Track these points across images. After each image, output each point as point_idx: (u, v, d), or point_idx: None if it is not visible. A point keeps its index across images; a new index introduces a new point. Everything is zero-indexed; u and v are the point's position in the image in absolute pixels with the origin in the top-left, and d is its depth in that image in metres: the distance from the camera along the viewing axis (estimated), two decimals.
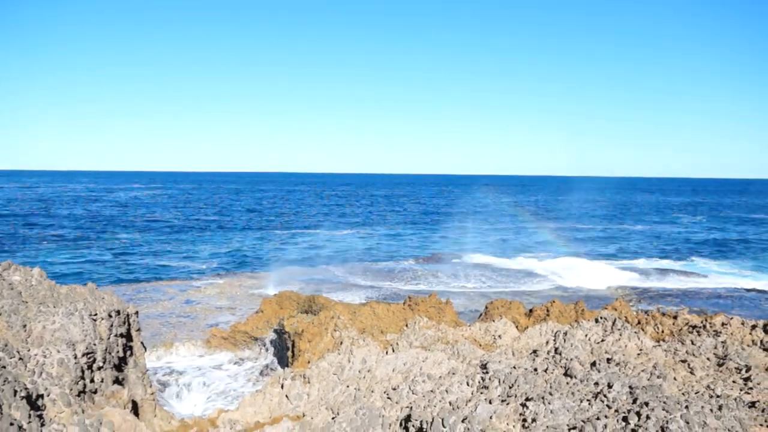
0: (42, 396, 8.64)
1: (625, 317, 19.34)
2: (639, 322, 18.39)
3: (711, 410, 8.53)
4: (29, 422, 7.53)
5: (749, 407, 9.03)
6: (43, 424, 7.96)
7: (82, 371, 10.75)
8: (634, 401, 8.99)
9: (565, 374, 11.07)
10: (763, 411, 8.74)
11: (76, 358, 10.65)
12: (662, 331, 17.06)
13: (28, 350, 10.17)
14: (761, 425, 8.36)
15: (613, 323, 15.19)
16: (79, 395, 10.23)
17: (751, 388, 10.29)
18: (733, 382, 10.83)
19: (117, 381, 12.49)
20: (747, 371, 11.20)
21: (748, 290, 46.14)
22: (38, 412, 8.09)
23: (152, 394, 13.89)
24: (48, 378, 9.59)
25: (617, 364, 11.81)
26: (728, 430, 8.11)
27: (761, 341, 14.29)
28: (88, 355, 11.20)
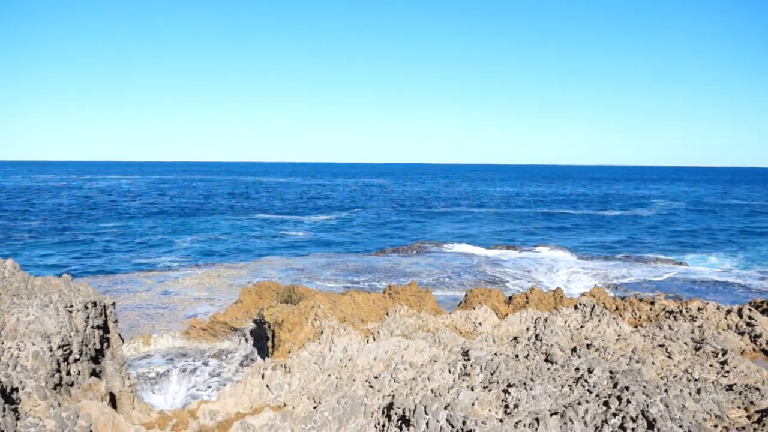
0: (16, 389, 8.44)
1: (603, 303, 19.55)
2: (617, 308, 18.61)
3: (690, 393, 8.64)
4: (3, 416, 7.36)
5: (726, 390, 9.16)
6: (18, 418, 7.78)
7: (58, 364, 10.54)
8: (615, 386, 9.07)
9: (546, 360, 11.14)
10: (740, 394, 8.87)
11: (51, 350, 10.44)
12: (640, 317, 17.29)
13: (2, 343, 9.94)
14: (738, 408, 8.49)
15: (592, 309, 15.33)
16: (55, 388, 10.03)
17: (727, 372, 10.45)
18: (710, 365, 10.99)
19: (94, 373, 12.28)
20: (723, 355, 11.37)
21: (722, 276, 46.96)
22: (13, 406, 7.91)
23: (130, 386, 13.70)
24: (23, 371, 9.38)
25: (597, 350, 11.91)
26: (707, 412, 8.21)
27: (736, 325, 14.54)
28: (64, 348, 10.99)
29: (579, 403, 8.45)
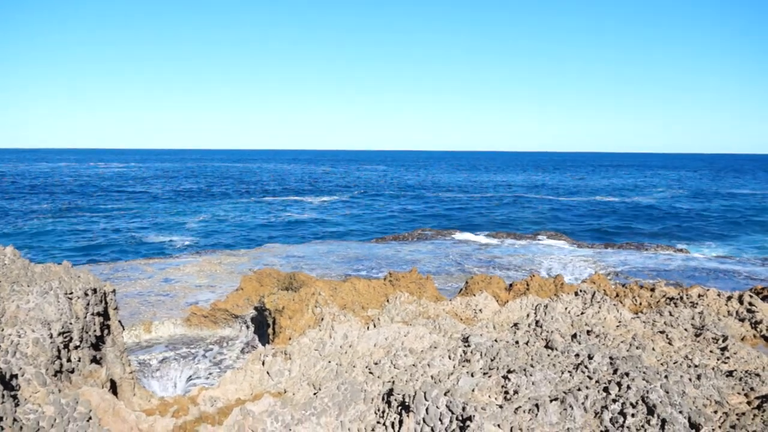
0: (16, 376, 8.45)
1: (604, 290, 19.54)
2: (617, 295, 18.61)
3: (690, 379, 8.63)
4: (2, 402, 7.36)
5: (727, 376, 9.15)
6: (17, 404, 7.78)
7: (59, 351, 10.55)
8: (615, 372, 9.07)
9: (546, 346, 11.13)
10: (740, 380, 8.86)
11: (51, 337, 10.43)
12: (640, 303, 17.28)
13: (2, 330, 9.93)
14: (738, 394, 8.48)
15: (593, 296, 15.31)
16: (55, 375, 10.04)
17: (728, 358, 10.45)
18: (711, 351, 10.99)
19: (95, 360, 12.29)
20: (724, 341, 11.36)
21: (722, 263, 46.95)
22: (12, 392, 7.91)
23: (131, 373, 13.73)
24: (22, 358, 9.39)
25: (597, 336, 11.90)
26: (707, 398, 8.21)
27: (737, 312, 14.53)
28: (64, 335, 10.99)
29: (579, 389, 8.44)
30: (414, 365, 10.90)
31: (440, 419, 8.16)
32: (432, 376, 10.29)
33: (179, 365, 23.55)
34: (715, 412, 8.00)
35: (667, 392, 7.92)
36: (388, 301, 17.30)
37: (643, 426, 7.45)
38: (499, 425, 7.83)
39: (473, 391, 9.12)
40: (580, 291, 15.99)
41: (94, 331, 12.57)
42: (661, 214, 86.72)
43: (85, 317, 12.17)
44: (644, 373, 8.69)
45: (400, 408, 8.78)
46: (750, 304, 14.80)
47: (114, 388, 12.40)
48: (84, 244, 56.26)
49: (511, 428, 7.83)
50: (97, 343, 12.86)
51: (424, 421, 8.26)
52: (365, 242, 56.74)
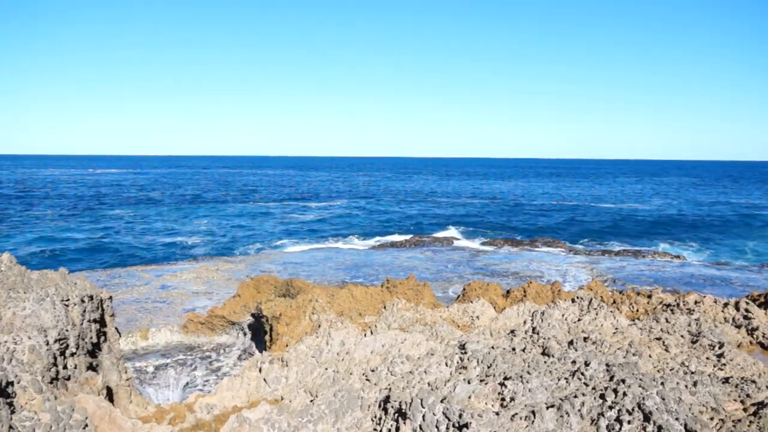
0: (12, 383, 8.42)
1: (601, 297, 19.56)
2: (614, 302, 18.62)
3: (686, 386, 8.65)
4: None
5: (723, 383, 9.17)
6: (13, 412, 7.76)
7: (55, 358, 10.52)
8: (611, 378, 9.08)
9: (543, 353, 11.14)
10: (736, 386, 8.88)
11: (48, 344, 10.42)
12: (637, 310, 17.30)
13: None
14: (735, 400, 8.49)
15: (589, 303, 15.34)
16: (51, 382, 10.02)
17: (724, 365, 10.47)
18: (707, 358, 11.01)
19: (91, 367, 12.26)
20: (720, 348, 11.39)
21: (719, 270, 47.00)
22: (8, 400, 7.89)
23: (127, 380, 13.70)
24: (18, 365, 9.36)
25: (594, 343, 11.92)
26: (703, 405, 8.22)
27: (733, 318, 14.56)
28: (61, 342, 10.97)
29: (575, 396, 8.45)
30: (411, 372, 10.91)
31: (437, 426, 8.16)
32: (429, 383, 10.29)
33: (176, 372, 23.50)
34: (711, 418, 8.02)
35: (664, 399, 7.93)
36: (385, 308, 17.31)
37: None
38: None
39: (470, 398, 9.12)
40: (577, 298, 16.02)
41: (91, 338, 12.54)
42: (658, 221, 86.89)
43: (82, 324, 12.15)
44: (640, 379, 8.71)
45: (396, 415, 8.78)
46: (746, 310, 14.84)
47: (110, 396, 12.37)
48: (80, 250, 56.22)
49: None
50: (94, 350, 12.83)
51: (420, 428, 8.26)
52: (362, 249, 56.74)
